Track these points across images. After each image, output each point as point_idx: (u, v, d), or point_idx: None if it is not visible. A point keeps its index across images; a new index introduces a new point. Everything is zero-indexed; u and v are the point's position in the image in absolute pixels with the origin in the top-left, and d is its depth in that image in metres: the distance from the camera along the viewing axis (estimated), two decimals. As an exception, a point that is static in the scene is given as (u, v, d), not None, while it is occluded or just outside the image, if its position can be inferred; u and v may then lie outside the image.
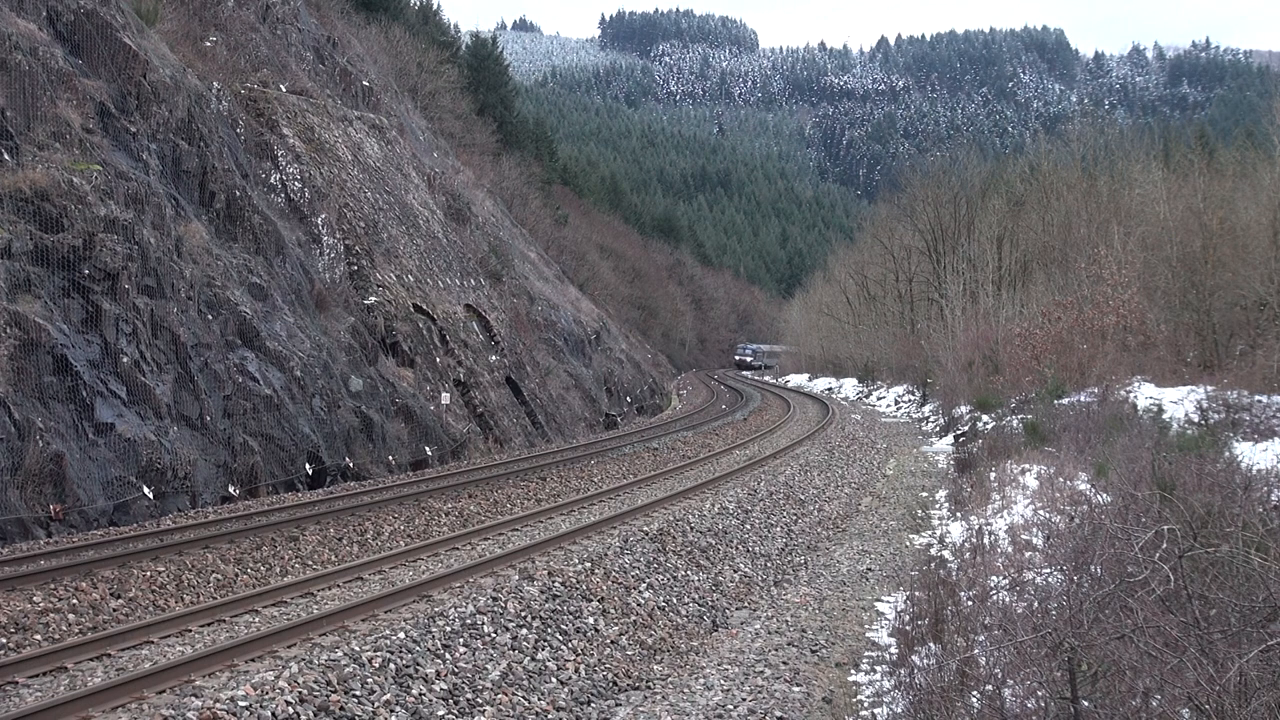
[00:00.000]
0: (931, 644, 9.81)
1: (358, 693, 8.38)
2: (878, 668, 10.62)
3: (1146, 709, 6.13)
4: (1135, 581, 7.32)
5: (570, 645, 10.69)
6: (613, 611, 11.82)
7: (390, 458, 22.90)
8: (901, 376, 52.23)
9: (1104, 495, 12.42)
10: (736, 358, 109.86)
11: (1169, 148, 40.54)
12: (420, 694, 8.74)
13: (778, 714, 9.46)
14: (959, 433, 30.48)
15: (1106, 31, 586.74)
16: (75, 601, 10.67)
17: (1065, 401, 23.28)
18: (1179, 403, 19.71)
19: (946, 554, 14.49)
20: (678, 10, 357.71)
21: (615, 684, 10.25)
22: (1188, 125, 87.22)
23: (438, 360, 27.65)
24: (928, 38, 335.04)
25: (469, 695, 9.04)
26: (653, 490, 19.29)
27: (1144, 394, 21.48)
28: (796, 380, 79.34)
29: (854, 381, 63.33)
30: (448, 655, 9.52)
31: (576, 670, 10.19)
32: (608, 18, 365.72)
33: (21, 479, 13.67)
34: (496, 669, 9.63)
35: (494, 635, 10.21)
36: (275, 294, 21.57)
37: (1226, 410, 18.25)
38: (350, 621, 10.00)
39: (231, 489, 17.78)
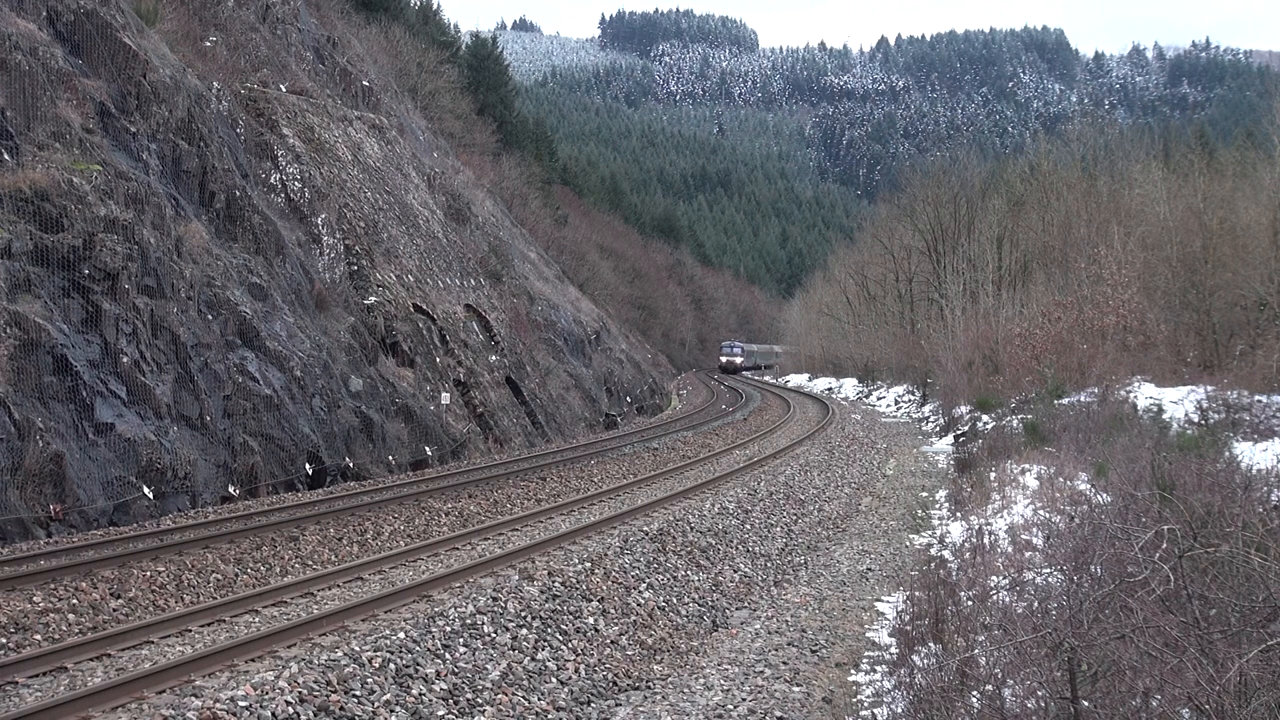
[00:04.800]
0: (931, 644, 9.81)
1: (358, 693, 8.38)
2: (878, 668, 10.62)
3: (1146, 709, 6.12)
4: (1135, 581, 7.32)
5: (570, 645, 10.69)
6: (613, 611, 11.82)
7: (390, 458, 22.90)
8: (901, 376, 52.23)
9: (1104, 495, 12.42)
10: (723, 358, 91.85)
11: (1169, 148, 40.56)
12: (420, 694, 8.74)
13: (778, 714, 9.45)
14: (959, 433, 30.48)
15: (1106, 32, 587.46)
16: (75, 601, 10.66)
17: (1065, 401, 23.27)
18: (1179, 403, 19.71)
19: (946, 554, 14.49)
20: (678, 10, 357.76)
21: (615, 684, 10.25)
22: (1188, 125, 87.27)
23: (438, 360, 27.65)
24: (928, 38, 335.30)
25: (469, 695, 9.04)
26: (653, 490, 19.29)
27: (1144, 394, 21.48)
28: (796, 380, 79.36)
29: (854, 381, 63.33)
30: (448, 655, 9.52)
31: (576, 670, 10.19)
32: (608, 18, 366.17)
33: (21, 479, 13.67)
34: (496, 669, 9.63)
35: (494, 635, 10.20)
36: (275, 294, 21.57)
37: (1226, 410, 18.25)
38: (350, 621, 9.99)
39: (231, 489, 17.77)
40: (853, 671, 10.78)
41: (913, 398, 48.25)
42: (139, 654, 9.06)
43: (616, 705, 9.74)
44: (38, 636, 9.68)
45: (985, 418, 27.86)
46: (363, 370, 23.58)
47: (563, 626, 10.97)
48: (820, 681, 10.43)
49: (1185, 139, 49.59)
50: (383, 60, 45.83)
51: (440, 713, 8.59)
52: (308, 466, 19.81)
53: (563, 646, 10.59)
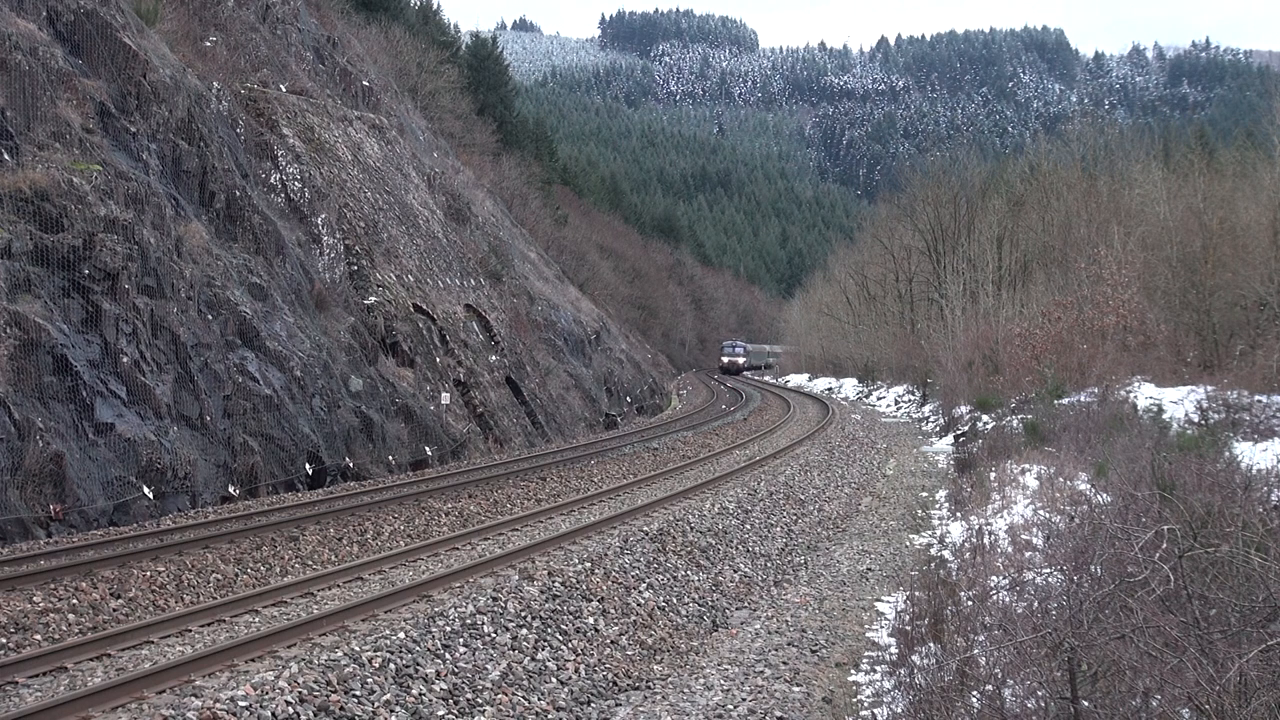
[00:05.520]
0: (931, 644, 9.81)
1: (358, 693, 8.38)
2: (878, 668, 10.62)
3: (1146, 709, 6.12)
4: (1135, 581, 7.32)
5: (570, 645, 10.69)
6: (613, 611, 11.82)
7: (390, 458, 22.90)
8: (901, 376, 52.23)
9: (1104, 495, 12.42)
10: (724, 358, 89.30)
11: (1169, 148, 40.58)
12: (420, 694, 8.74)
13: (778, 714, 9.46)
14: (959, 433, 30.48)
15: (1107, 32, 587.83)
16: (75, 601, 10.66)
17: (1065, 401, 23.28)
18: (1179, 403, 19.71)
19: (946, 554, 14.50)
20: (678, 10, 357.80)
21: (615, 684, 10.25)
22: (1188, 125, 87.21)
23: (438, 360, 27.65)
24: (928, 38, 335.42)
25: (469, 695, 9.04)
26: (653, 490, 19.29)
27: (1144, 394, 21.48)
28: (796, 380, 79.36)
29: (854, 381, 63.32)
30: (448, 655, 9.52)
31: (576, 670, 10.19)
32: (608, 18, 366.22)
33: (21, 479, 13.67)
34: (496, 669, 9.63)
35: (494, 635, 10.20)
36: (275, 294, 21.57)
37: (1226, 410, 18.26)
38: (350, 621, 10.00)
39: (231, 489, 17.77)
40: (853, 671, 10.78)
41: (913, 398, 48.24)
42: (139, 654, 9.06)
43: (616, 705, 9.75)
44: (38, 636, 9.69)
45: (985, 418, 27.87)
46: (363, 370, 23.58)
47: (563, 626, 10.98)
48: (820, 681, 10.43)
49: (1185, 139, 49.58)
50: (383, 60, 45.82)
51: (440, 713, 8.59)
52: (308, 466, 19.81)
53: (563, 646, 10.59)
